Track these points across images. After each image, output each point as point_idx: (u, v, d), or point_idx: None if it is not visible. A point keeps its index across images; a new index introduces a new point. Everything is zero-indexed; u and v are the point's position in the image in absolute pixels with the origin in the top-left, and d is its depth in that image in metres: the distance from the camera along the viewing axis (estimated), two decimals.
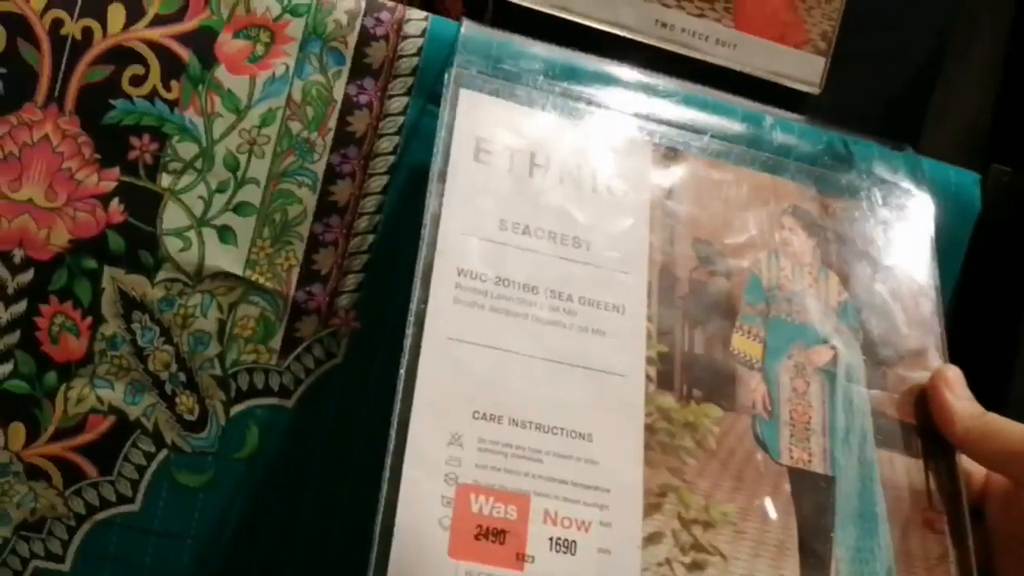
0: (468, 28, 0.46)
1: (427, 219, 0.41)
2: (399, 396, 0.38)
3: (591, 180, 0.44)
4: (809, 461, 0.42)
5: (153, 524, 0.44)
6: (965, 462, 0.44)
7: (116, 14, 0.44)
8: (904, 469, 0.43)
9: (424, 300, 0.39)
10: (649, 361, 0.41)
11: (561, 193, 0.43)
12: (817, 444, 0.42)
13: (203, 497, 0.44)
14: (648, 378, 0.41)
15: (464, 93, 0.44)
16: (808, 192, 0.48)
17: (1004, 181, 0.54)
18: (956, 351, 0.47)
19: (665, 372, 0.41)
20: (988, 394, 0.45)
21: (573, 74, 0.47)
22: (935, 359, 0.46)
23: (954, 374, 0.44)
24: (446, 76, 0.44)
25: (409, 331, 0.39)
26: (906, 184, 0.50)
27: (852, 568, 0.40)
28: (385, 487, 0.36)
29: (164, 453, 0.44)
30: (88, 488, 0.44)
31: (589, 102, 0.46)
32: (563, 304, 0.41)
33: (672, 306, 0.43)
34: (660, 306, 0.43)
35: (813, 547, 0.40)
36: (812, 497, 0.41)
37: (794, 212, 0.47)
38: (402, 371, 0.38)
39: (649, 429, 0.40)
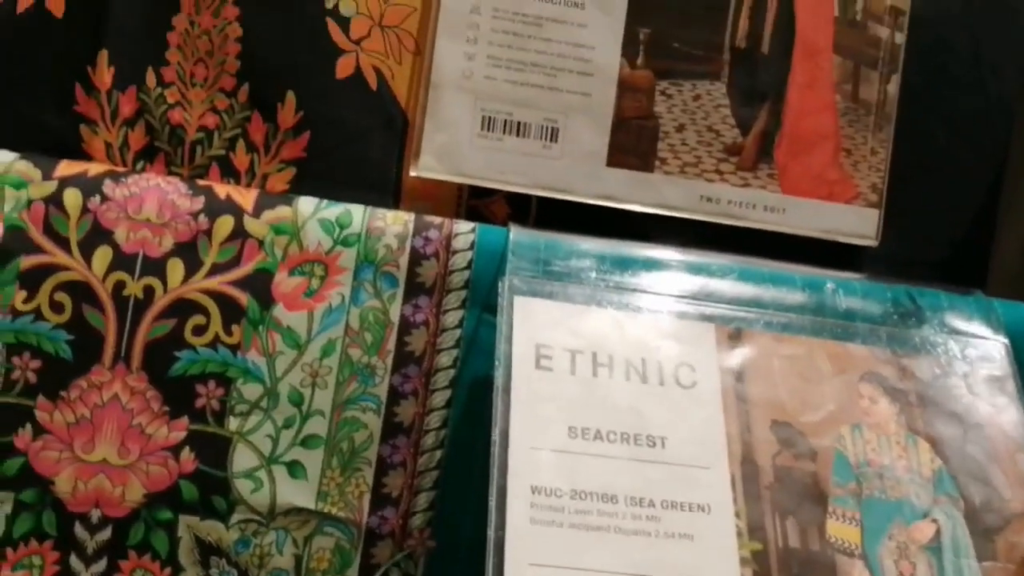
0: (516, 233, 0.48)
1: (495, 436, 0.42)
2: None
3: (658, 373, 0.45)
4: None
5: None
6: None
7: (175, 269, 0.47)
8: None
9: (501, 526, 0.40)
10: (743, 562, 0.41)
11: (628, 391, 0.44)
12: None
13: None
14: None
15: (519, 300, 0.45)
16: (882, 355, 0.48)
17: None
18: None
19: (762, 573, 0.41)
20: None
21: (624, 264, 0.49)
22: None
23: None
24: (500, 285, 0.46)
25: (489, 560, 0.39)
26: (980, 330, 0.50)
27: None
28: None
29: None
30: None
31: (645, 292, 0.47)
32: (645, 511, 0.41)
33: (759, 498, 0.43)
34: (747, 500, 0.42)
35: None
36: None
37: (871, 379, 0.47)
38: None
39: None
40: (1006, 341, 0.50)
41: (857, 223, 0.56)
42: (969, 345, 0.49)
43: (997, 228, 0.58)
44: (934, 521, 0.43)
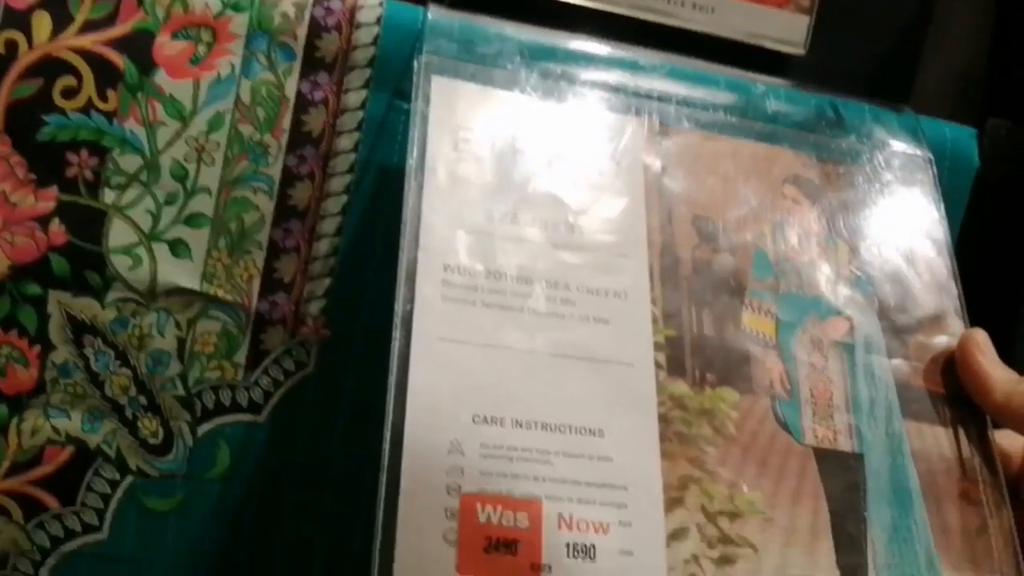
0: (435, 12, 0.47)
1: (407, 215, 0.41)
2: (390, 404, 0.38)
3: (580, 161, 0.45)
4: (835, 440, 0.43)
5: (123, 551, 0.45)
6: (1002, 440, 0.45)
7: (41, 23, 0.44)
8: (934, 440, 0.44)
9: (410, 300, 0.40)
10: (657, 347, 0.42)
11: (549, 178, 0.44)
12: (841, 421, 0.43)
13: (174, 521, 0.45)
14: (658, 365, 0.42)
15: (437, 80, 0.45)
16: (807, 160, 0.49)
17: (1002, 135, 0.56)
18: None
19: (675, 357, 0.42)
20: None
21: (551, 54, 0.48)
22: (955, 323, 0.47)
23: (984, 338, 0.46)
24: (415, 64, 0.45)
25: (396, 334, 0.39)
26: (906, 145, 0.52)
27: (890, 549, 0.41)
28: (382, 503, 0.37)
29: (129, 479, 0.45)
30: (51, 520, 0.44)
31: (571, 81, 0.47)
32: (560, 294, 0.42)
33: (677, 288, 0.44)
34: (664, 288, 0.43)
35: (847, 530, 0.41)
36: (841, 477, 0.42)
37: (795, 181, 0.48)
38: (392, 378, 0.39)
39: (663, 419, 0.41)
40: (929, 155, 0.52)
41: (786, 29, 0.56)
42: (893, 156, 0.51)
43: (926, 42, 0.60)
44: (848, 318, 0.46)
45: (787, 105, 0.51)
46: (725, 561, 0.39)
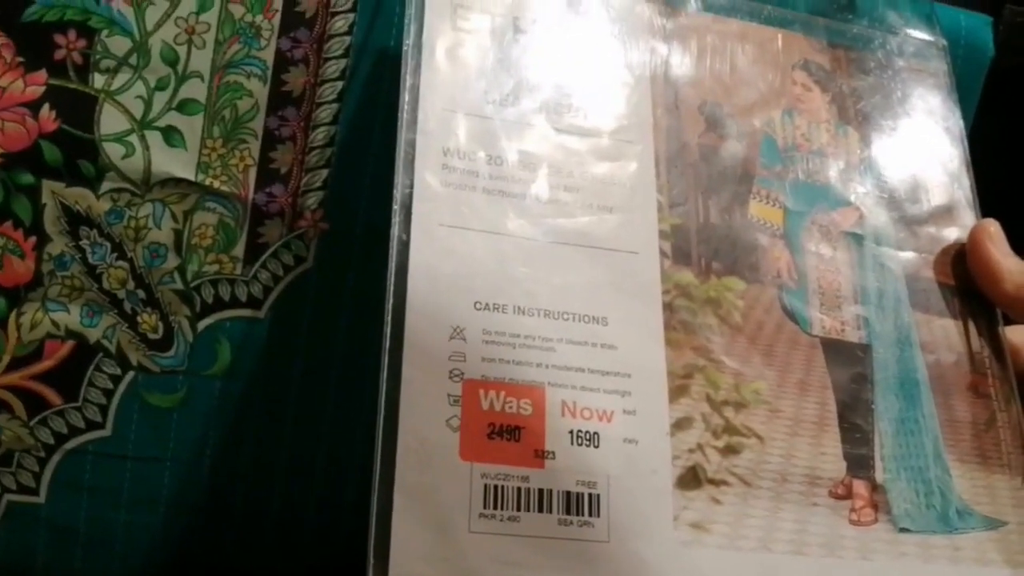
0: None
1: (404, 96, 0.41)
2: (390, 291, 0.38)
3: (583, 44, 0.44)
4: (842, 330, 0.43)
5: (127, 449, 0.45)
6: (1012, 335, 0.45)
7: None
8: (943, 332, 0.44)
9: (409, 185, 0.40)
10: (663, 235, 0.42)
11: (552, 60, 0.43)
12: (849, 312, 0.43)
13: (177, 417, 0.45)
14: (663, 253, 0.42)
15: None
16: (819, 45, 0.48)
17: (1019, 22, 0.55)
18: None
19: (681, 246, 0.42)
20: None
21: None
22: (967, 214, 0.47)
23: (996, 229, 0.45)
24: None
25: (395, 219, 0.39)
26: (920, 32, 0.51)
27: (896, 440, 0.42)
28: (383, 389, 0.37)
29: (131, 375, 0.45)
30: (54, 417, 0.44)
31: None
32: (564, 180, 0.42)
33: (682, 175, 0.43)
34: (670, 176, 0.43)
35: (854, 421, 0.41)
36: (848, 368, 0.42)
37: (806, 66, 0.48)
38: (391, 264, 0.38)
39: (668, 308, 0.41)
40: (944, 42, 0.51)
41: None
42: (907, 43, 0.50)
43: None
44: (858, 208, 0.45)
45: None
46: (730, 451, 0.39)
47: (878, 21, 0.50)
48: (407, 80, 0.41)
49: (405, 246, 0.39)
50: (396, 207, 0.39)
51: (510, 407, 0.37)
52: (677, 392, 0.40)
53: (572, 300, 0.40)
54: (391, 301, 0.38)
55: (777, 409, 0.41)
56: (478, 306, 0.39)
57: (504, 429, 0.37)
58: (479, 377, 0.38)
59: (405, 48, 0.42)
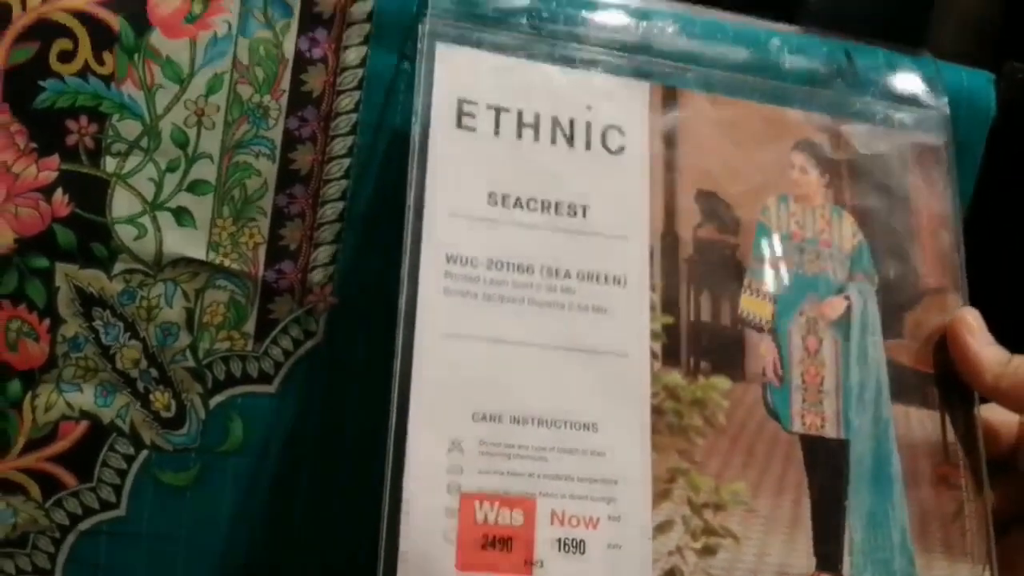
0: None
1: (409, 202, 0.43)
2: (394, 403, 0.41)
3: (585, 136, 0.46)
4: (822, 426, 0.45)
5: (141, 528, 0.47)
6: (991, 415, 0.47)
7: None
8: (919, 423, 0.47)
9: (413, 295, 0.42)
10: (654, 336, 0.44)
11: (553, 155, 0.45)
12: (830, 407, 0.46)
13: (191, 495, 0.48)
14: (653, 355, 0.44)
15: (441, 49, 0.45)
16: (819, 121, 0.49)
17: (1019, 79, 0.56)
18: (973, 267, 0.50)
19: (671, 346, 0.44)
20: (1007, 310, 0.48)
21: (562, 8, 0.48)
22: (954, 299, 0.49)
23: (974, 318, 0.47)
24: (419, 29, 0.45)
25: (400, 330, 0.41)
26: (922, 94, 0.52)
27: (865, 535, 0.45)
28: (386, 504, 0.40)
29: (144, 454, 0.47)
30: (68, 498, 0.47)
31: (580, 41, 0.47)
32: (560, 282, 0.43)
33: (676, 271, 0.45)
34: (664, 273, 0.45)
35: (826, 518, 0.44)
36: (825, 464, 0.45)
37: (804, 147, 0.49)
38: (396, 375, 0.41)
39: (656, 411, 0.43)
40: (947, 108, 0.52)
41: None
42: (909, 115, 0.51)
43: None
44: (847, 298, 0.47)
45: (800, 58, 0.51)
46: (707, 551, 0.42)
47: (881, 89, 0.51)
48: (412, 186, 0.43)
49: (408, 357, 0.41)
50: (401, 317, 0.41)
51: (503, 519, 0.40)
52: (660, 496, 0.42)
53: (565, 406, 0.42)
54: (394, 414, 0.40)
55: (754, 509, 0.43)
56: (475, 417, 0.41)
57: (497, 540, 0.40)
58: (475, 490, 0.40)
59: (412, 147, 0.43)
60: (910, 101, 0.51)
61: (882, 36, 0.52)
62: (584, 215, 0.45)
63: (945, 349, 0.48)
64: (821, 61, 0.51)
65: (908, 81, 0.52)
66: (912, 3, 0.59)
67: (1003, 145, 0.54)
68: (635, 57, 0.48)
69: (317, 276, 0.48)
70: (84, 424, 0.47)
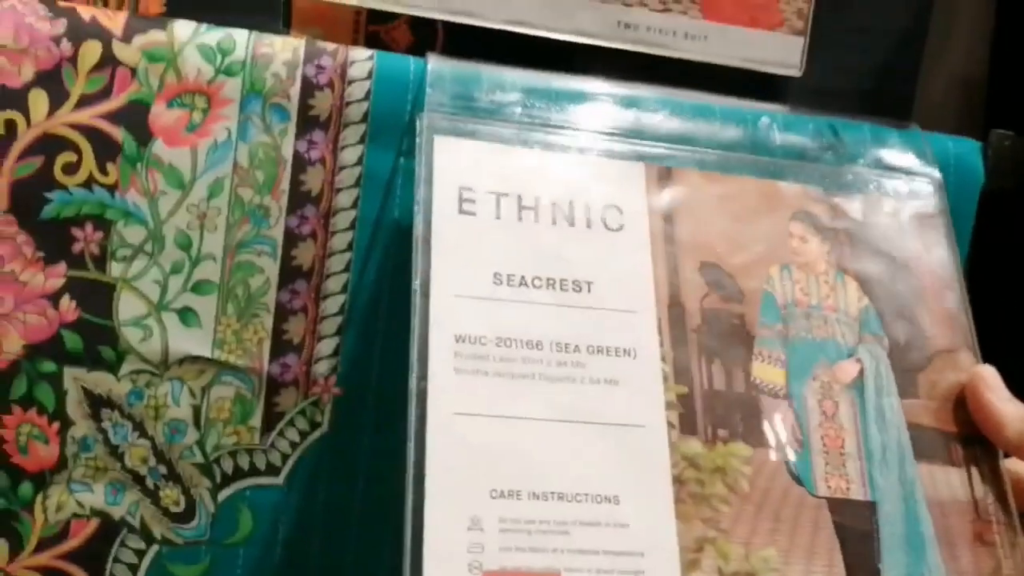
0: (435, 63, 0.48)
1: (416, 285, 0.43)
2: (409, 485, 0.40)
3: (584, 216, 0.46)
4: (848, 489, 0.45)
5: None
6: (1020, 468, 0.47)
7: (38, 101, 0.46)
8: (946, 481, 0.46)
9: (423, 376, 0.42)
10: (669, 406, 0.44)
11: (555, 235, 0.46)
12: (854, 469, 0.45)
13: None
14: (670, 424, 0.44)
15: (440, 140, 0.46)
16: (814, 193, 0.50)
17: (1006, 146, 0.57)
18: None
19: (687, 415, 0.44)
20: (1006, 373, 0.48)
21: (553, 98, 0.50)
22: (967, 358, 0.49)
23: (992, 375, 0.47)
24: (417, 124, 0.46)
25: (412, 411, 0.41)
26: (912, 164, 0.53)
27: None
28: None
29: (155, 548, 0.47)
30: None
31: (573, 128, 0.49)
32: (570, 357, 0.43)
33: (686, 341, 0.45)
34: (673, 344, 0.45)
35: None
36: (855, 527, 0.44)
37: (802, 217, 0.50)
38: (410, 457, 0.40)
39: (677, 480, 0.43)
40: (939, 176, 0.53)
41: (781, 52, 0.57)
42: (901, 181, 0.52)
43: (924, 57, 0.61)
44: (858, 361, 0.47)
45: (789, 134, 0.52)
46: None
47: (871, 160, 0.53)
48: (419, 269, 0.43)
49: (421, 437, 0.41)
50: (412, 398, 0.41)
51: None
52: (689, 567, 0.41)
53: (584, 480, 0.42)
54: (411, 494, 0.40)
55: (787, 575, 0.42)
56: (494, 494, 0.41)
57: None
58: (497, 568, 0.39)
59: (415, 235, 0.44)
60: (901, 170, 0.53)
61: (871, 105, 0.54)
62: (589, 291, 0.45)
63: (963, 407, 0.47)
64: (809, 137, 0.53)
65: (898, 152, 0.53)
66: (899, 72, 0.61)
67: (993, 212, 0.56)
68: (628, 140, 0.49)
69: (321, 368, 0.48)
70: (95, 522, 0.47)
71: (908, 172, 0.53)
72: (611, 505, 0.41)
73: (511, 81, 0.49)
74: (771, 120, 0.52)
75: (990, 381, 0.47)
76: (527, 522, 0.40)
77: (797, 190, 0.50)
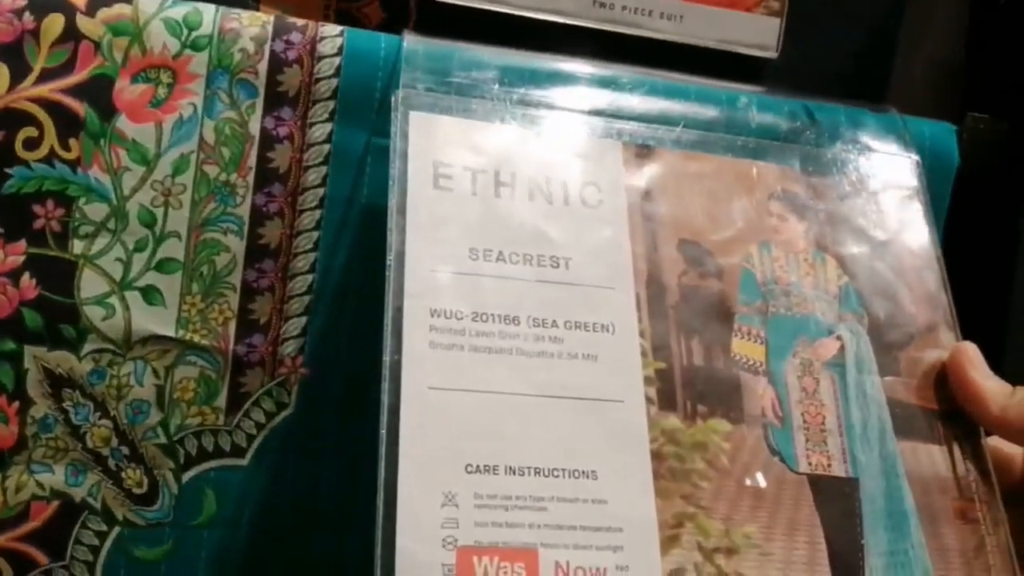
0: (410, 41, 0.48)
1: (390, 259, 0.43)
2: (382, 458, 0.39)
3: (562, 192, 0.46)
4: (829, 465, 0.45)
5: None
6: (1002, 445, 0.47)
7: None
8: (928, 458, 0.46)
9: (397, 350, 0.41)
10: (647, 381, 0.43)
11: (532, 211, 0.45)
12: (835, 445, 0.45)
13: (165, 569, 0.47)
14: (648, 400, 0.43)
15: (415, 116, 0.46)
16: (792, 174, 0.50)
17: (981, 129, 0.58)
18: None
19: (666, 391, 0.44)
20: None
21: (530, 77, 0.49)
22: (947, 336, 0.49)
23: (973, 351, 0.47)
24: (392, 100, 0.46)
25: (385, 385, 0.41)
26: (890, 147, 0.53)
27: (887, 574, 0.43)
28: (379, 561, 0.38)
29: (117, 530, 0.47)
30: None
31: (550, 107, 0.48)
32: (548, 332, 0.43)
33: (664, 317, 0.45)
34: (652, 319, 0.45)
35: (844, 558, 0.43)
36: (837, 504, 0.44)
37: (780, 196, 0.50)
38: (383, 431, 0.40)
39: (656, 456, 0.42)
40: (917, 158, 0.53)
41: (758, 33, 0.57)
42: (879, 162, 0.52)
43: (900, 41, 0.61)
44: (838, 338, 0.47)
45: (766, 115, 0.52)
46: None
47: (850, 142, 0.53)
48: (393, 243, 0.43)
49: (395, 412, 0.40)
50: (385, 372, 0.41)
51: (504, 572, 0.39)
52: (669, 543, 0.41)
53: (562, 455, 0.41)
54: (383, 469, 0.39)
55: (768, 552, 0.42)
56: (469, 469, 0.40)
57: None
58: (472, 543, 0.39)
59: (390, 208, 0.44)
60: (879, 152, 0.53)
61: (847, 87, 0.54)
62: (567, 267, 0.45)
63: (945, 384, 0.48)
64: (785, 119, 0.53)
65: (874, 134, 0.53)
66: (875, 55, 0.61)
67: (968, 195, 0.56)
68: (605, 119, 0.49)
69: (288, 348, 0.48)
70: (56, 503, 0.46)
71: (885, 154, 0.53)
72: (589, 480, 0.41)
73: (487, 60, 0.49)
74: (748, 101, 0.52)
75: (972, 358, 0.47)
76: (503, 497, 0.40)
77: (775, 170, 0.50)
